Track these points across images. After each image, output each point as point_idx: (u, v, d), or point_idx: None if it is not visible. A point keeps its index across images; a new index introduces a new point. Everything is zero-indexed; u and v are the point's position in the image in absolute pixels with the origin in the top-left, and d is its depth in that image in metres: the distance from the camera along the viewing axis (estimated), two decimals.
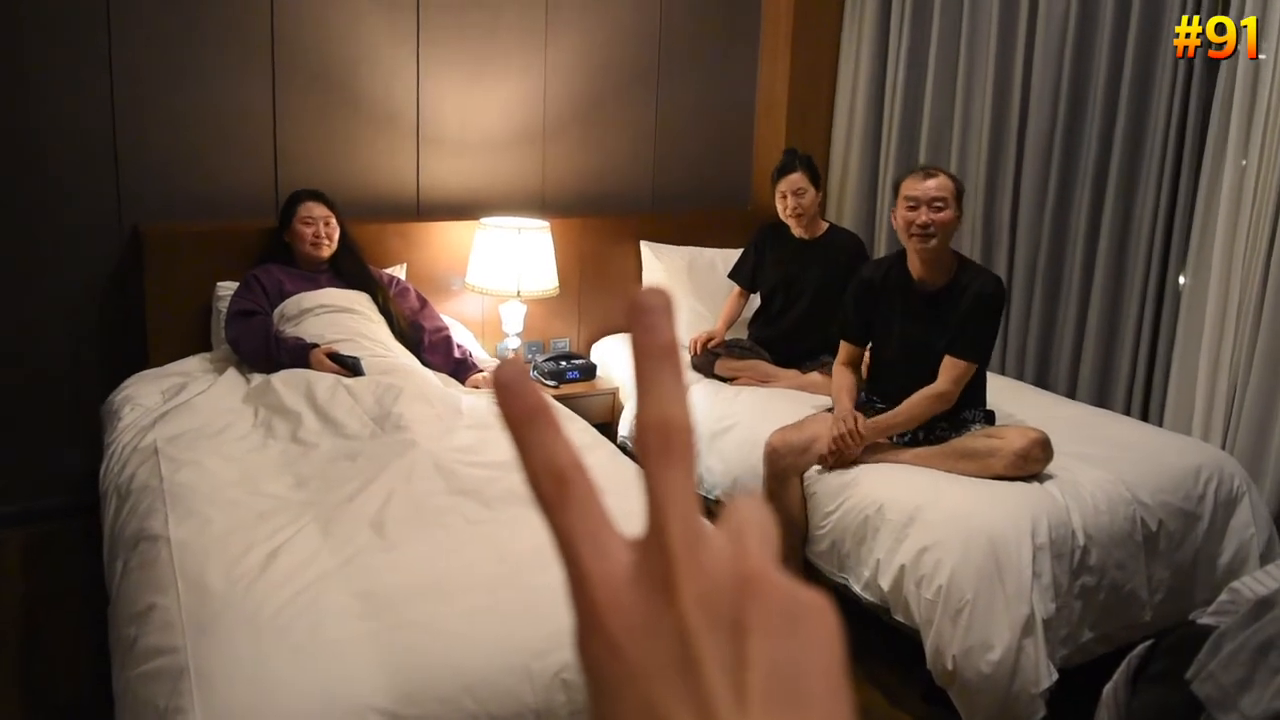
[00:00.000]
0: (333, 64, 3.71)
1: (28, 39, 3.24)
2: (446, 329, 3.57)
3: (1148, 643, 1.26)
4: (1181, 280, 3.48)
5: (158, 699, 1.75)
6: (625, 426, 3.86)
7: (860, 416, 2.93)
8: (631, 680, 0.32)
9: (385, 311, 3.45)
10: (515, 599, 1.99)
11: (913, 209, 2.90)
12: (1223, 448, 3.22)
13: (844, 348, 3.16)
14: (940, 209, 2.88)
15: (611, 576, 0.34)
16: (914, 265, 2.99)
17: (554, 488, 0.36)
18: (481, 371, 3.47)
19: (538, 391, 0.37)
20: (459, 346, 3.54)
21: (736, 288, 3.96)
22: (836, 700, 0.32)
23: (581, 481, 0.36)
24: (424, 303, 3.62)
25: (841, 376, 3.11)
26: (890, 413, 2.96)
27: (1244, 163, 3.20)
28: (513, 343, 3.91)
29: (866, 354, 3.19)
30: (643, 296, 0.37)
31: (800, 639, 0.33)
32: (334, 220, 3.45)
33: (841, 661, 0.33)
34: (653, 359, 0.36)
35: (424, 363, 3.43)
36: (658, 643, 0.32)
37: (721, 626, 0.32)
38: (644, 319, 0.37)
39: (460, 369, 3.48)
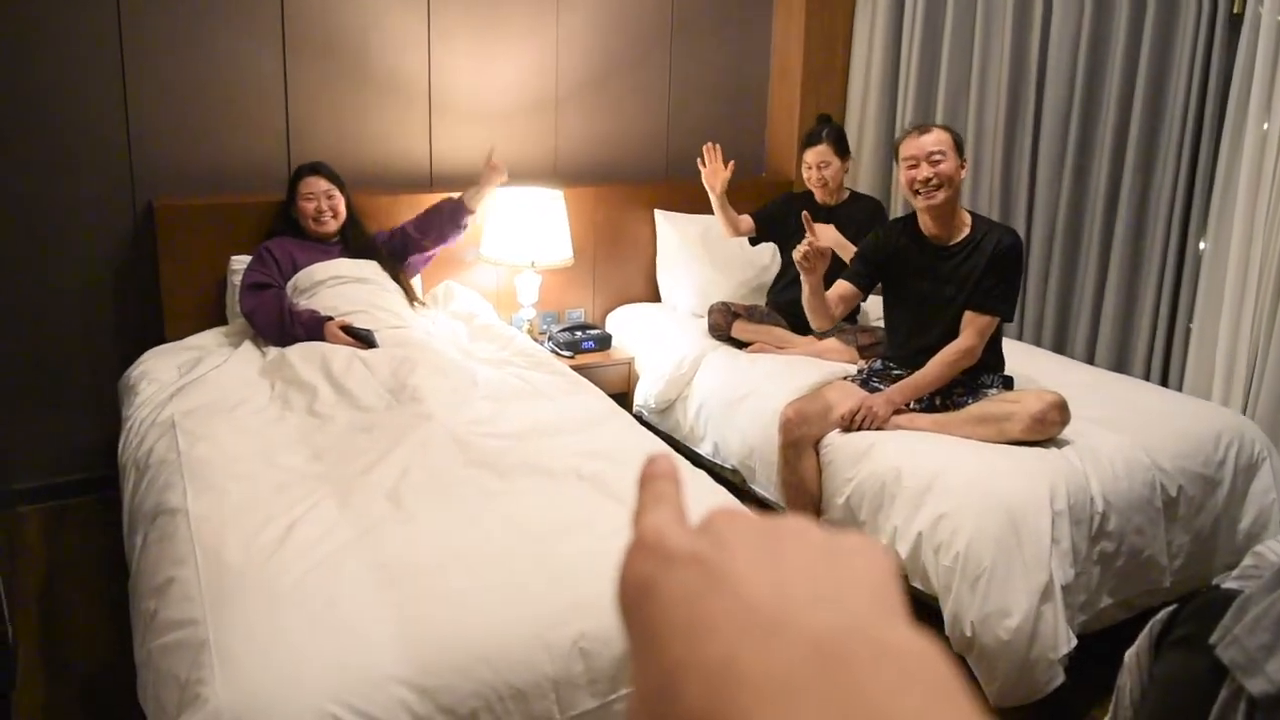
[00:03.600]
0: (343, 34, 3.68)
1: (37, 15, 3.22)
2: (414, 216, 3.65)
3: (1171, 608, 1.25)
4: (1202, 245, 3.44)
5: (179, 670, 1.76)
6: (641, 396, 3.86)
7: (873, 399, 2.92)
8: (675, 598, 0.33)
9: (396, 279, 3.46)
10: (532, 569, 1.99)
11: (913, 167, 2.90)
12: (1243, 413, 3.19)
13: (838, 284, 3.09)
14: (939, 161, 2.87)
15: (666, 519, 0.37)
16: (925, 223, 2.98)
17: (646, 470, 0.40)
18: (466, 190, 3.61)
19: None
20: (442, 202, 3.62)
21: (749, 220, 3.89)
22: (882, 606, 0.34)
23: (671, 476, 0.40)
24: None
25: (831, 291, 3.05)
26: (918, 373, 2.95)
27: (1265, 126, 3.15)
28: (528, 313, 3.90)
29: (881, 321, 3.17)
30: (652, 465, 0.41)
31: (840, 567, 0.35)
32: (337, 193, 3.45)
33: (889, 588, 0.35)
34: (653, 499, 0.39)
35: (430, 251, 3.61)
36: (700, 564, 0.34)
37: (763, 554, 0.35)
38: (652, 486, 0.40)
39: (447, 204, 3.60)
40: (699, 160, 3.75)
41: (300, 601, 1.87)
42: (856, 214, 3.71)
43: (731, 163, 3.72)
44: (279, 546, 2.05)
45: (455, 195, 3.63)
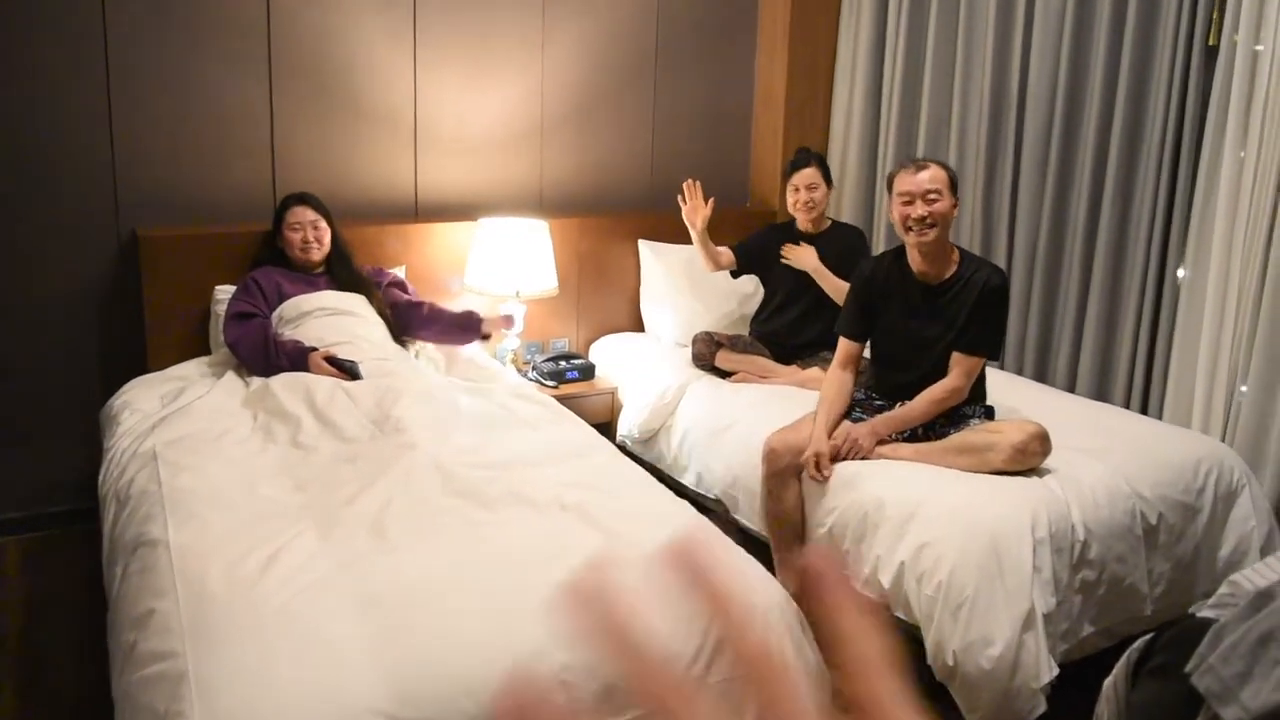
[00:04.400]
0: (329, 66, 3.70)
1: (24, 44, 3.24)
2: (435, 302, 3.67)
3: (1147, 636, 1.26)
4: (1180, 273, 3.47)
5: (157, 704, 1.75)
6: (624, 425, 3.86)
7: (851, 429, 2.93)
8: None
9: (381, 313, 3.47)
10: (515, 599, 1.99)
11: (907, 204, 2.89)
12: (1222, 440, 3.21)
13: (842, 345, 3.14)
14: (935, 200, 2.87)
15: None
16: (914, 259, 2.99)
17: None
18: (486, 318, 3.64)
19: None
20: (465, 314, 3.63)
21: (729, 254, 3.89)
22: None
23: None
24: (412, 294, 3.66)
25: (832, 385, 3.07)
26: (904, 409, 2.96)
27: (1242, 154, 3.20)
28: (512, 343, 3.91)
29: (867, 350, 3.19)
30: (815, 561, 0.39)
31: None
32: (323, 224, 3.46)
33: None
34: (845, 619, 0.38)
35: (424, 339, 3.60)
36: None
37: None
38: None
39: (467, 319, 3.59)
40: (679, 197, 3.78)
41: (281, 633, 1.86)
42: (838, 243, 3.74)
43: (711, 200, 3.75)
44: (260, 577, 2.04)
45: (477, 314, 3.63)
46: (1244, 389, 3.18)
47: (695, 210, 3.74)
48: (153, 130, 3.47)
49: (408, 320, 3.55)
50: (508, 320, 3.72)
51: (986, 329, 2.92)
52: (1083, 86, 3.72)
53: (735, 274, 3.95)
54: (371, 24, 3.75)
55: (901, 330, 3.04)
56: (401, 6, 3.79)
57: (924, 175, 2.89)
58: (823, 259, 3.69)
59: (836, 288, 3.58)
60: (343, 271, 3.48)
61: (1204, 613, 1.31)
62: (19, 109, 3.27)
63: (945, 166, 2.94)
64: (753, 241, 3.90)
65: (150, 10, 3.39)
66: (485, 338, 3.65)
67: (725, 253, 3.85)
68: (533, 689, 0.36)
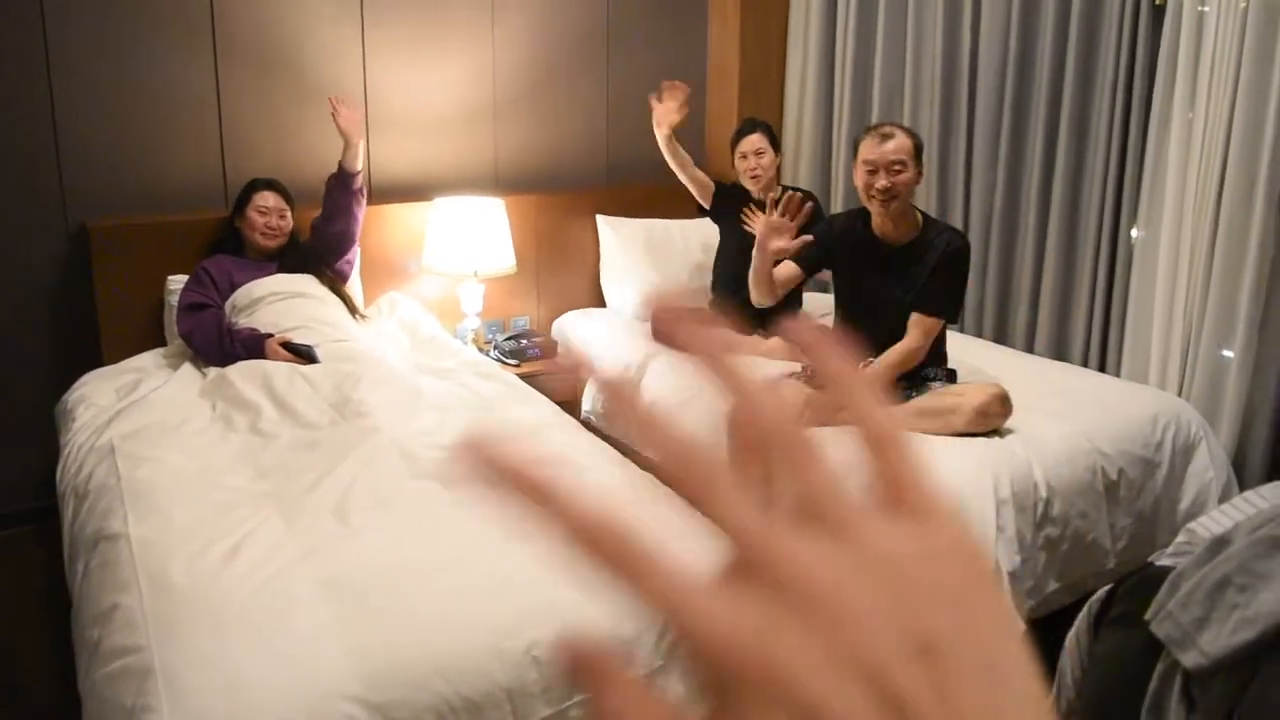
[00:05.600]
0: (276, 46, 3.64)
1: None
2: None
3: (1107, 587, 1.27)
4: (1134, 233, 3.51)
5: (124, 698, 1.73)
6: (588, 402, 3.85)
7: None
8: None
9: (333, 289, 3.43)
10: (482, 579, 1.98)
11: (871, 173, 2.89)
12: (1179, 395, 3.26)
13: (783, 264, 3.09)
14: (899, 171, 2.87)
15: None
16: (877, 223, 3.00)
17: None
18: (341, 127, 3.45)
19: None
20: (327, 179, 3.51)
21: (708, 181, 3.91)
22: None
23: None
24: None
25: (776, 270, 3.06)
26: None
27: (1190, 114, 3.23)
28: (472, 323, 3.88)
29: (832, 315, 3.20)
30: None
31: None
32: (289, 214, 3.41)
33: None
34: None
35: (340, 225, 3.48)
36: None
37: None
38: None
39: (336, 174, 3.47)
40: (652, 96, 3.77)
41: (247, 622, 1.85)
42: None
43: (686, 109, 3.77)
44: (224, 568, 2.03)
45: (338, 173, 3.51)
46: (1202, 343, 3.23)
47: (667, 113, 3.75)
48: (97, 119, 3.40)
49: (323, 242, 3.49)
50: (344, 118, 3.45)
51: (946, 291, 2.94)
52: (1033, 49, 3.74)
53: (710, 212, 3.94)
54: (317, 3, 3.69)
55: (864, 292, 3.05)
56: None
57: (889, 146, 2.87)
58: None
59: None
60: (293, 255, 3.44)
61: (1162, 561, 1.32)
62: None
63: (912, 134, 2.93)
64: (727, 187, 3.90)
65: None
66: (353, 172, 3.46)
67: (704, 179, 3.88)
68: (590, 643, 0.30)
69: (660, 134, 3.77)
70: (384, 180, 3.93)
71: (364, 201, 3.54)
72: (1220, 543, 1.14)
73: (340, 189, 3.47)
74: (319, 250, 3.49)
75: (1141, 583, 1.18)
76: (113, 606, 1.97)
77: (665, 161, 3.88)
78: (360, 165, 3.49)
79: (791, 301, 3.73)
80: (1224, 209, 3.14)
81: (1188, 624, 1.09)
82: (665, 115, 3.75)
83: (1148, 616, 1.12)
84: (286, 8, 3.64)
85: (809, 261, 3.09)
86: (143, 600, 1.94)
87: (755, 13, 4.49)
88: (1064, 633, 1.44)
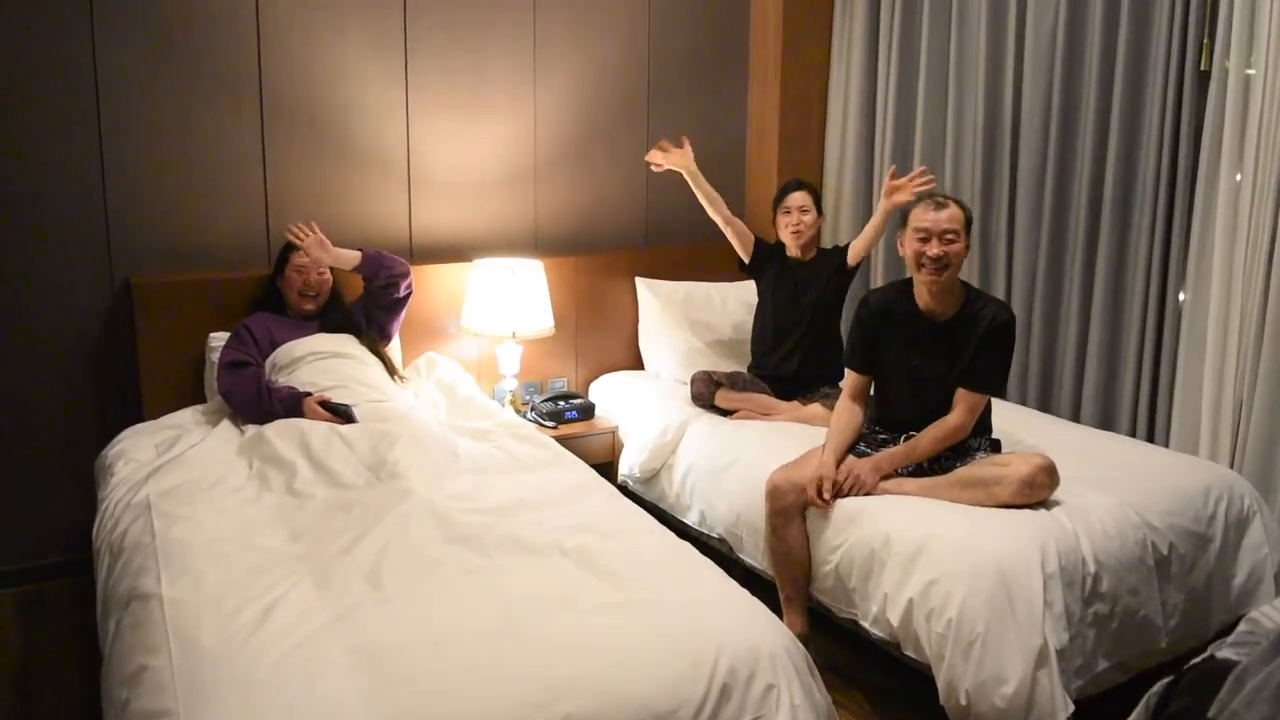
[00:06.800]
0: (321, 110, 3.70)
1: (16, 91, 3.23)
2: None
3: (1167, 680, 1.22)
4: (1181, 297, 3.45)
5: None
6: (625, 465, 3.82)
7: (854, 462, 2.90)
8: None
9: (373, 350, 3.43)
10: (514, 650, 1.94)
11: (923, 240, 2.86)
12: (1231, 466, 3.18)
13: (849, 378, 3.12)
14: (952, 241, 2.85)
15: None
16: (921, 296, 2.96)
17: None
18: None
19: None
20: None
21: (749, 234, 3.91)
22: None
23: None
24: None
25: (842, 414, 3.06)
26: (908, 445, 2.92)
27: (1238, 177, 3.18)
28: (510, 384, 3.88)
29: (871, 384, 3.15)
30: None
31: None
32: (328, 272, 3.44)
33: None
34: None
35: (382, 278, 3.49)
36: None
37: None
38: None
39: (375, 260, 3.48)
40: (655, 147, 3.81)
41: (277, 688, 1.82)
42: (826, 266, 3.75)
43: (688, 143, 3.81)
44: (255, 631, 2.00)
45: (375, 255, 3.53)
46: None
47: (673, 161, 3.79)
48: (145, 176, 3.45)
49: (367, 299, 3.52)
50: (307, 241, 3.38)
51: (992, 366, 2.89)
52: (1076, 112, 3.72)
53: (749, 267, 3.92)
54: (364, 67, 3.75)
55: (905, 366, 3.01)
56: (393, 49, 3.79)
57: (943, 214, 2.86)
58: (815, 283, 3.69)
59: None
60: (335, 315, 3.46)
61: (1224, 653, 1.27)
62: (10, 156, 3.25)
63: (963, 206, 2.92)
64: (767, 245, 3.89)
65: (142, 56, 3.38)
66: (335, 262, 3.42)
67: (744, 228, 3.88)
68: None
69: (689, 177, 3.80)
70: (424, 241, 3.96)
71: (400, 268, 3.54)
72: None
73: (375, 266, 3.49)
74: (365, 308, 3.51)
75: (1203, 677, 1.13)
76: (141, 668, 1.95)
77: (704, 224, 3.87)
78: (356, 264, 3.47)
79: (832, 373, 3.70)
80: (1275, 271, 3.08)
81: None
82: (673, 162, 3.79)
83: (1211, 714, 1.07)
84: (333, 70, 3.70)
85: (866, 364, 3.08)
86: (172, 662, 1.92)
87: (796, 74, 4.51)
88: (1115, 714, 1.38)
